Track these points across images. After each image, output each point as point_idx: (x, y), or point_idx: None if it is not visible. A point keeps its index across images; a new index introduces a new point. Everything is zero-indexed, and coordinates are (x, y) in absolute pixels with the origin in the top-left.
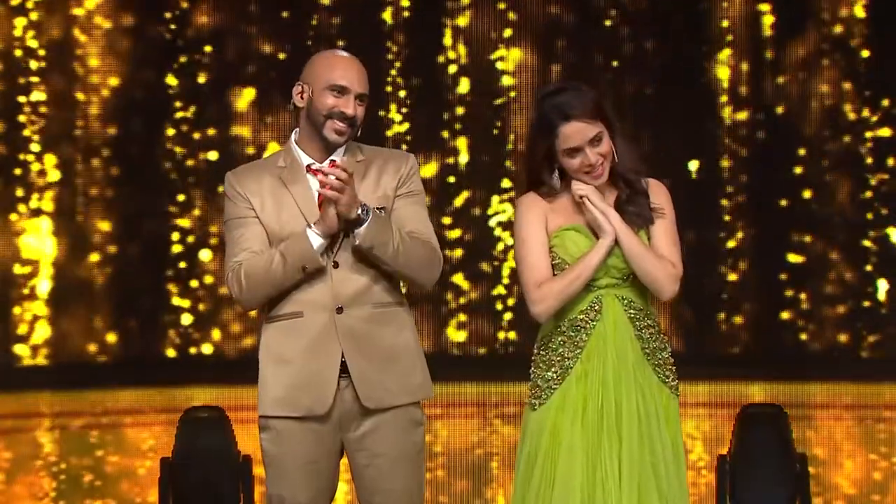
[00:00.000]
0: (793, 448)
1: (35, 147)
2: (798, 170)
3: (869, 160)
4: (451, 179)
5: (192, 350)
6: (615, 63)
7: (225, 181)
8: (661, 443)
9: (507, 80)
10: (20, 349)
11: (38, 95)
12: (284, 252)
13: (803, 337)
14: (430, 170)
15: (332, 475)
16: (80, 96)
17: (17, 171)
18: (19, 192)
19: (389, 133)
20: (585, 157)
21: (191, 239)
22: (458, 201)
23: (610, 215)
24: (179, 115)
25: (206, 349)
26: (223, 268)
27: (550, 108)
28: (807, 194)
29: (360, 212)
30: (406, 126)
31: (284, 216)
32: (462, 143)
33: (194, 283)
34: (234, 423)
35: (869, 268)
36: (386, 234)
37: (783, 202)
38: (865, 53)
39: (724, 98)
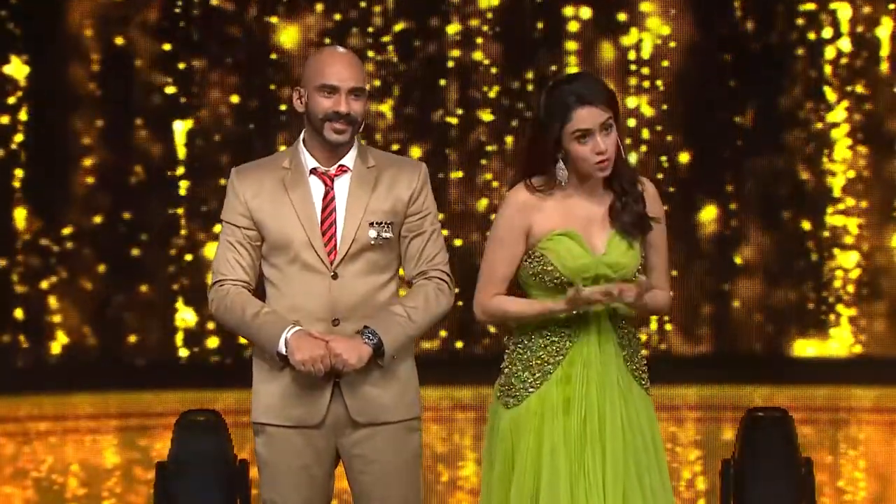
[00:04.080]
0: (798, 452)
1: None
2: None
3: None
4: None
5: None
6: None
7: (229, 176)
8: (644, 452)
9: None
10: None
11: None
12: (259, 324)
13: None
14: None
15: (325, 481)
16: None
17: None
18: None
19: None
20: (596, 143)
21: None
22: None
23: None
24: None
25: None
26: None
27: (566, 93)
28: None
29: (370, 342)
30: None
31: (280, 223)
32: None
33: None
34: (231, 428)
35: None
36: (401, 338)
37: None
38: None
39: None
